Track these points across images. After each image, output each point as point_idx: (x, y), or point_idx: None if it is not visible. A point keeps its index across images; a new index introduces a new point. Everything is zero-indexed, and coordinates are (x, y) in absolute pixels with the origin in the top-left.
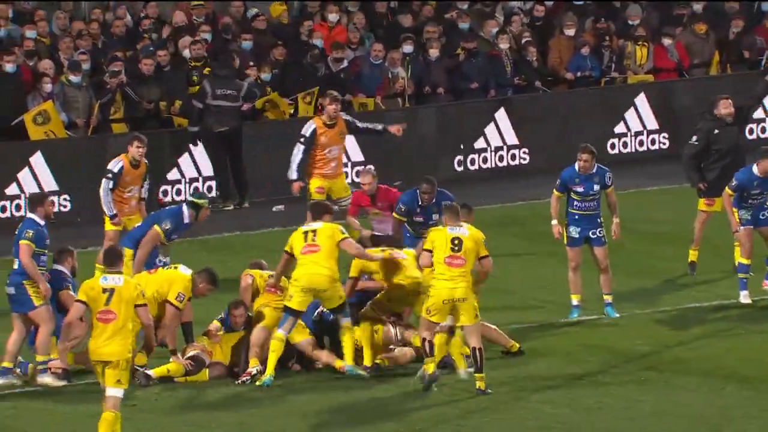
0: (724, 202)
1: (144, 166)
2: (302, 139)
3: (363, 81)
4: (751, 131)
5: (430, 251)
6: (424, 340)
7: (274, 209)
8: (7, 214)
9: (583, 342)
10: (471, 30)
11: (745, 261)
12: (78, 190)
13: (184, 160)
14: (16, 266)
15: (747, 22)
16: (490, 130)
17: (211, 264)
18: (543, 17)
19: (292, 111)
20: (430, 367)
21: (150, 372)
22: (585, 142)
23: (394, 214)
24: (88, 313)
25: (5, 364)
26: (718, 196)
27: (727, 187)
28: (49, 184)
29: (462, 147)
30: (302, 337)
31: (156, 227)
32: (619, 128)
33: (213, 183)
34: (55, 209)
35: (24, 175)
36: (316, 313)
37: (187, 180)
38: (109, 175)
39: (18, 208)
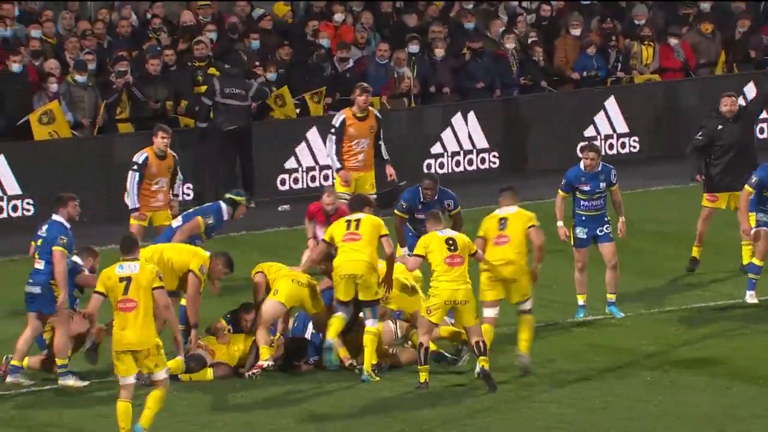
0: (741, 201)
1: (171, 158)
2: (333, 130)
3: (369, 81)
4: (761, 131)
5: (422, 256)
6: (420, 345)
7: (279, 209)
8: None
9: (589, 342)
10: (477, 30)
11: (758, 262)
12: (82, 190)
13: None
14: (41, 267)
15: (753, 21)
16: (497, 129)
17: None
18: (549, 17)
19: (298, 111)
20: (422, 376)
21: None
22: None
23: (395, 211)
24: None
25: (14, 362)
26: (720, 191)
27: (746, 185)
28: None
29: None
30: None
31: (199, 218)
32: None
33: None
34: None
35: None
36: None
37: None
38: (135, 167)
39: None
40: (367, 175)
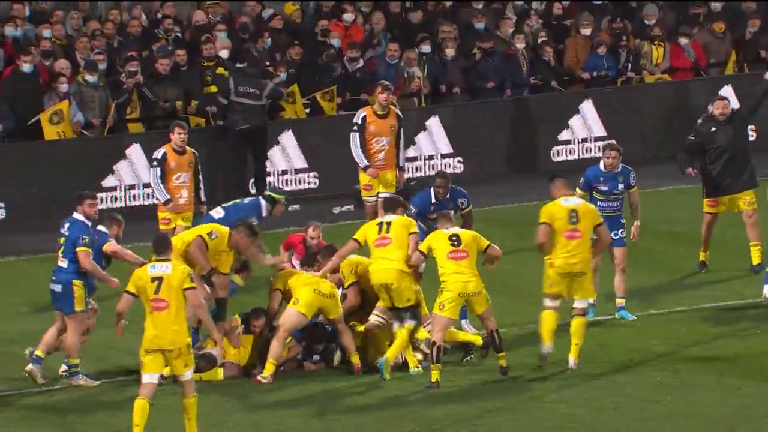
0: None
1: (191, 153)
2: (355, 127)
3: (378, 80)
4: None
5: (424, 253)
6: (433, 344)
7: (289, 209)
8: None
9: (600, 342)
10: (487, 30)
11: None
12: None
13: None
14: (64, 265)
15: (764, 21)
16: (506, 129)
17: None
18: (559, 16)
19: (308, 111)
20: (434, 375)
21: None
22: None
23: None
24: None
25: (38, 352)
26: (720, 195)
27: None
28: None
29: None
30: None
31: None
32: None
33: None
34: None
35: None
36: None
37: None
38: (154, 163)
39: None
40: (387, 174)
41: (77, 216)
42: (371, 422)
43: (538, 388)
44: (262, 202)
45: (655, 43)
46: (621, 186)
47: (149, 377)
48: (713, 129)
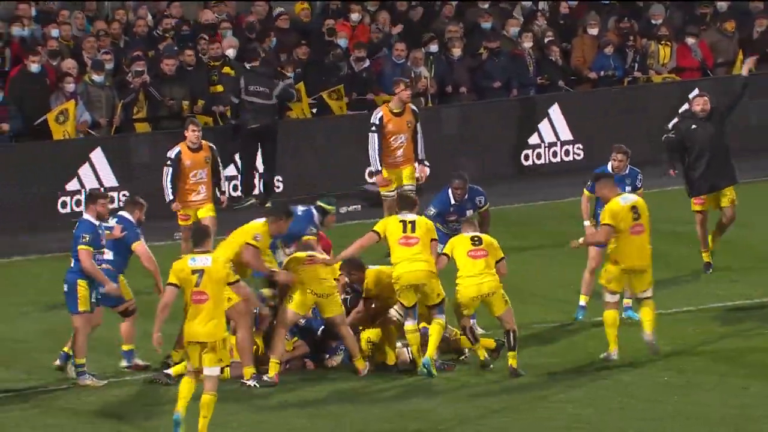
0: None
1: (207, 149)
2: (373, 127)
3: (385, 80)
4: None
5: (448, 255)
6: (464, 328)
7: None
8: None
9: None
10: (493, 29)
11: None
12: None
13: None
14: (71, 264)
15: None
16: (510, 129)
17: None
18: (566, 16)
19: (315, 111)
20: (481, 353)
21: (169, 371)
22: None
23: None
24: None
25: (65, 348)
26: (705, 193)
27: None
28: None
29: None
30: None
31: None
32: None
33: (237, 181)
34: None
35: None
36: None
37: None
38: (168, 162)
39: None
40: (406, 170)
41: (86, 215)
42: (377, 422)
43: (543, 388)
44: (314, 211)
45: (662, 42)
46: (628, 188)
47: (209, 371)
48: (693, 126)
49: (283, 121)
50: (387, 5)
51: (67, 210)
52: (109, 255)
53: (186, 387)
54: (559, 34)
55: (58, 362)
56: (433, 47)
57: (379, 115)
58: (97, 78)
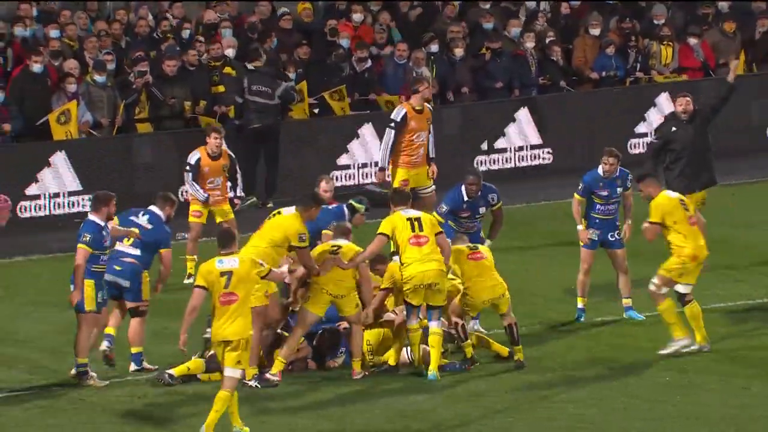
0: None
1: (226, 157)
2: (392, 124)
3: (387, 81)
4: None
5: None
6: (456, 324)
7: None
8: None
9: (608, 342)
10: (495, 30)
11: None
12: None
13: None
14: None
15: None
16: (513, 129)
17: None
18: (568, 16)
19: (316, 111)
20: (468, 351)
21: (172, 371)
22: (607, 142)
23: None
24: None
25: (109, 347)
26: (681, 194)
27: None
28: (72, 184)
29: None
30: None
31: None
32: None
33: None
34: (80, 209)
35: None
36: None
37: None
38: (187, 168)
39: (39, 208)
40: (424, 169)
41: (92, 217)
42: (379, 422)
43: (545, 389)
44: (345, 210)
45: (664, 43)
46: (620, 189)
47: (229, 371)
48: (674, 129)
49: (284, 121)
50: (389, 5)
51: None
52: (136, 251)
53: (225, 400)
54: (560, 35)
55: (105, 349)
56: (434, 47)
57: (402, 113)
58: (99, 78)
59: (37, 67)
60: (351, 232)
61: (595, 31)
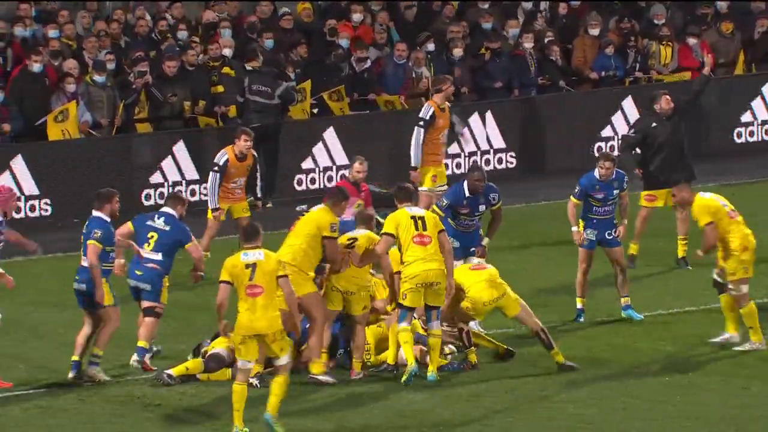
0: None
1: (251, 158)
2: (422, 122)
3: (387, 80)
4: (739, 135)
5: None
6: (461, 330)
7: (297, 209)
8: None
9: (608, 342)
10: (494, 29)
11: None
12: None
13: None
14: (86, 264)
15: None
16: (514, 129)
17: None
18: (567, 16)
19: (316, 111)
20: (472, 357)
21: (171, 371)
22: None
23: (434, 207)
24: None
25: (74, 357)
26: (658, 189)
27: None
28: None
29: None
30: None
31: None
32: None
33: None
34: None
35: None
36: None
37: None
38: (216, 168)
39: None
40: (443, 167)
41: (98, 213)
42: (379, 422)
43: (545, 389)
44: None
45: (664, 43)
46: (616, 191)
47: (244, 363)
48: (654, 125)
49: (284, 121)
50: (389, 5)
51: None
52: (158, 256)
53: (239, 395)
54: (560, 35)
55: (134, 363)
56: (430, 46)
57: (430, 111)
58: (99, 78)
59: (36, 67)
60: (373, 219)
61: (595, 31)
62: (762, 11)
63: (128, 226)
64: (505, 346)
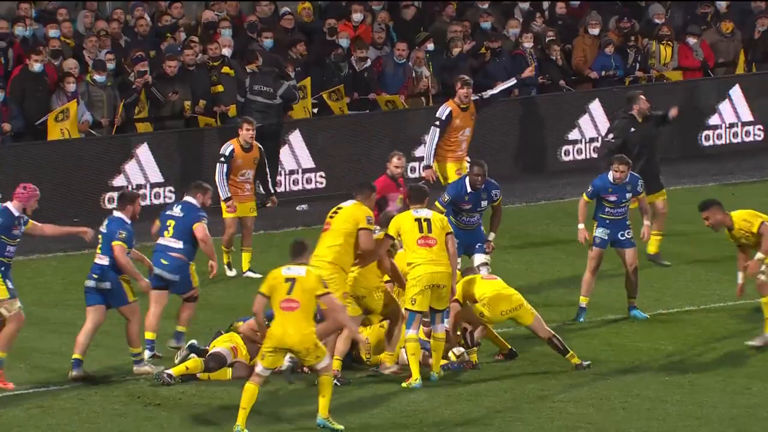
0: None
1: (257, 150)
2: (437, 122)
3: (387, 80)
4: (707, 138)
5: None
6: (464, 330)
7: (297, 208)
8: None
9: (609, 341)
10: (494, 29)
11: None
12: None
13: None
14: (105, 262)
15: None
16: (515, 129)
17: (236, 264)
18: (566, 15)
19: (316, 111)
20: (473, 357)
21: (171, 371)
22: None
23: (436, 203)
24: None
25: (75, 356)
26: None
27: None
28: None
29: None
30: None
31: None
32: None
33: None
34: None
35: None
36: None
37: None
38: (222, 159)
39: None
40: (464, 161)
41: (119, 214)
42: (379, 422)
43: (545, 388)
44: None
45: (664, 42)
46: (629, 195)
47: (264, 370)
48: (632, 129)
49: (284, 120)
50: (390, 5)
51: None
52: (179, 243)
53: (249, 395)
54: (560, 34)
55: (174, 344)
56: (429, 46)
57: (447, 111)
58: (99, 78)
59: (37, 67)
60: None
61: (595, 31)
62: (762, 11)
63: (156, 223)
64: (509, 346)
